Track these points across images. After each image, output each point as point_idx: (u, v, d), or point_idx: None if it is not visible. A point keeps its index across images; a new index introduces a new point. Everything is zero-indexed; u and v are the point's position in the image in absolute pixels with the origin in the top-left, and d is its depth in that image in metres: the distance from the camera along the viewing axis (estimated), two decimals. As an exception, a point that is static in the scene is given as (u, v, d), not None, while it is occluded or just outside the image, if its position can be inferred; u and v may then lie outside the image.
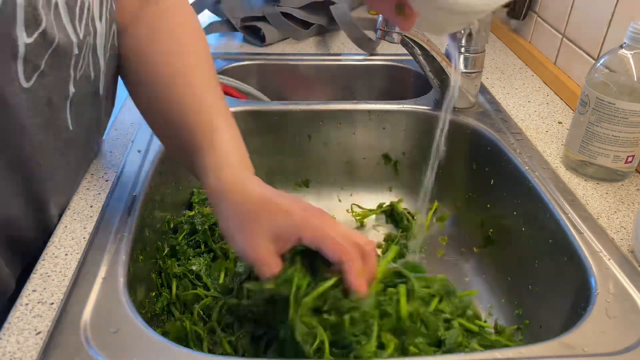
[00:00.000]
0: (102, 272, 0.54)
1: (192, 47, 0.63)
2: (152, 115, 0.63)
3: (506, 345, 0.56)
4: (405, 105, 0.88)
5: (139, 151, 0.72)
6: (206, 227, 0.72)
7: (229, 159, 0.55)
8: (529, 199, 0.70)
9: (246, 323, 0.59)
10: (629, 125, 0.66)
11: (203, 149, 0.56)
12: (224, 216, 0.53)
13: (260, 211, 0.51)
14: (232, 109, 0.69)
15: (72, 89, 0.56)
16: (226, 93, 0.95)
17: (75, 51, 0.54)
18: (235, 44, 1.12)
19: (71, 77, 0.55)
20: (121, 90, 0.68)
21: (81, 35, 0.54)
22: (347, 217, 0.89)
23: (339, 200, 0.92)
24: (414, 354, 0.51)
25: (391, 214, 0.89)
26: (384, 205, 0.89)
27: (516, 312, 0.64)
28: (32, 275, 0.54)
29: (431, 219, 0.86)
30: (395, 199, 0.90)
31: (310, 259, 0.52)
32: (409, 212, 0.87)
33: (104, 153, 0.73)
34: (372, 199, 0.91)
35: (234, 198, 0.52)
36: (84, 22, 0.54)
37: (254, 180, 0.54)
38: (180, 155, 0.61)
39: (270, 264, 0.50)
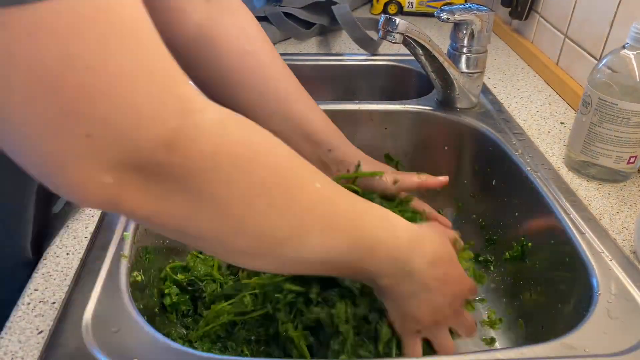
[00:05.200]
0: (103, 272, 0.54)
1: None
2: None
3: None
4: (407, 106, 0.88)
5: (141, 151, 0.72)
6: None
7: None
8: (530, 200, 0.70)
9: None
10: (631, 125, 0.66)
11: None
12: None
13: None
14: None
15: None
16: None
17: None
18: (237, 44, 1.12)
19: None
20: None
21: None
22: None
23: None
24: None
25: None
26: None
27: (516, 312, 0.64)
28: (34, 275, 0.54)
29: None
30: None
31: None
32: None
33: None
34: (373, 199, 0.91)
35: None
36: None
37: None
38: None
39: None
